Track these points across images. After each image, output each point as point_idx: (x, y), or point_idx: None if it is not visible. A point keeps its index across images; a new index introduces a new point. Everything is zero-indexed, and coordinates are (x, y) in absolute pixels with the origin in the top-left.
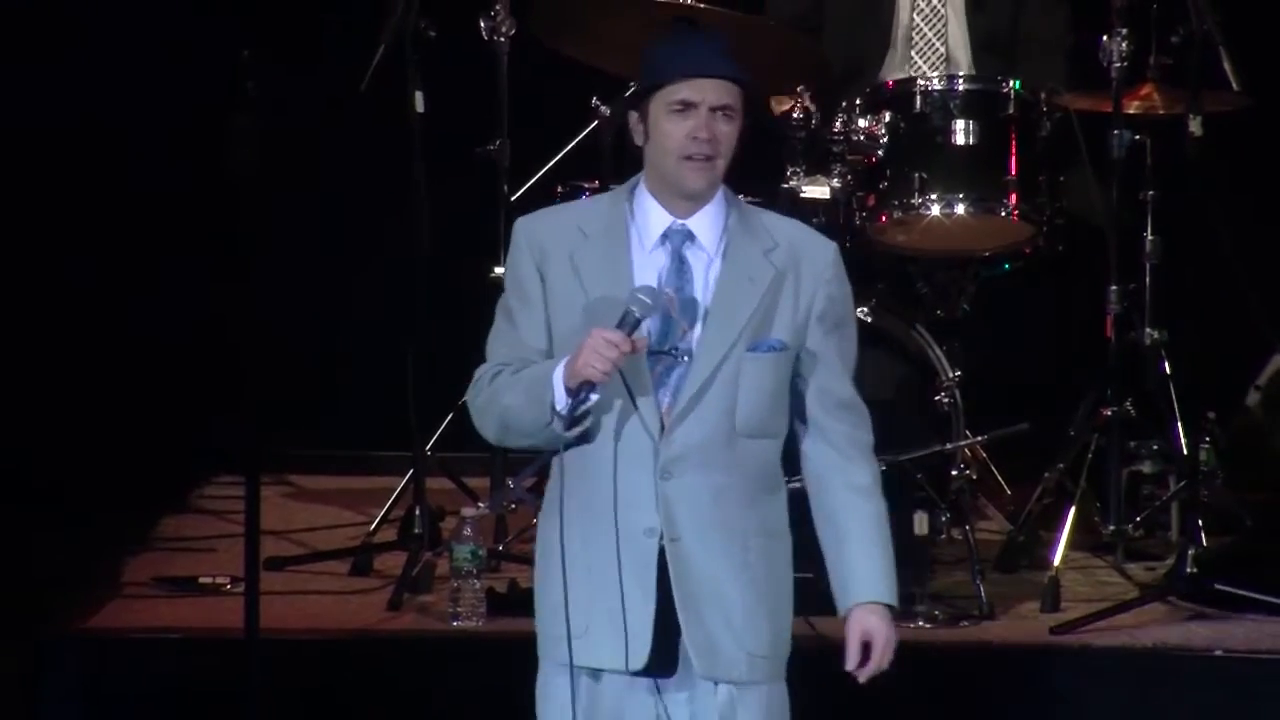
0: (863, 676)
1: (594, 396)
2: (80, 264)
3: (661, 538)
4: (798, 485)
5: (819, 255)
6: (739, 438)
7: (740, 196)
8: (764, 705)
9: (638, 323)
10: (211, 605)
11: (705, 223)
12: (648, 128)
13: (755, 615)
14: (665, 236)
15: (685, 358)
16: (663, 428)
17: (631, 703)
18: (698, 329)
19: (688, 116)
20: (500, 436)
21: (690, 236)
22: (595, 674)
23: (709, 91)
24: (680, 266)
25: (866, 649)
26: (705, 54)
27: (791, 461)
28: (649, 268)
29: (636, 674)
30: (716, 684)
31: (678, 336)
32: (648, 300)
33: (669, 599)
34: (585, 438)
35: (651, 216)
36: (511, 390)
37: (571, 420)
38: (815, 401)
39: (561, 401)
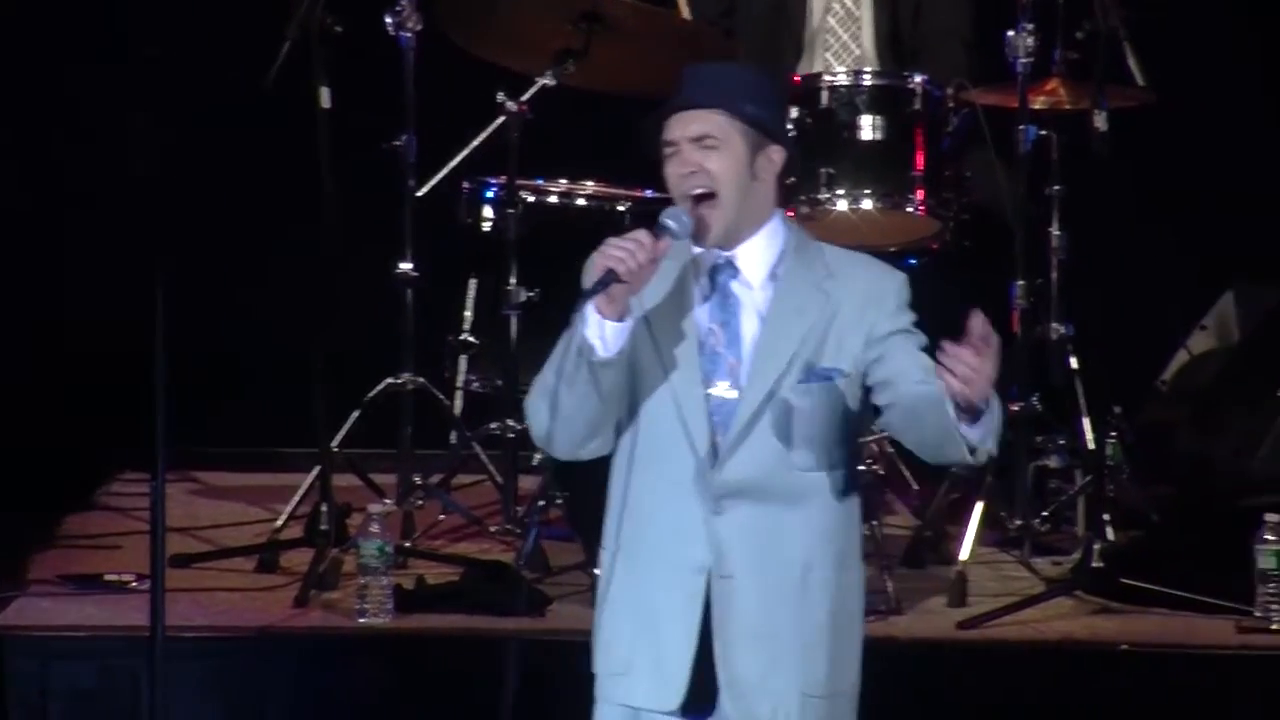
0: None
1: (628, 323)
2: None
3: (710, 574)
4: None
5: (882, 285)
6: (796, 471)
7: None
8: None
9: (666, 231)
10: (117, 603)
11: (752, 255)
12: None
13: (813, 653)
14: (713, 269)
15: (735, 392)
16: (715, 462)
17: None
18: (745, 363)
19: (672, 157)
20: (548, 413)
21: (734, 271)
22: (635, 712)
23: (683, 125)
24: (725, 301)
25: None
26: (686, 89)
27: None
28: (701, 301)
29: (682, 713)
30: None
31: (725, 371)
32: (677, 222)
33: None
34: (636, 448)
35: (703, 252)
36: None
37: (598, 318)
38: (900, 386)
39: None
